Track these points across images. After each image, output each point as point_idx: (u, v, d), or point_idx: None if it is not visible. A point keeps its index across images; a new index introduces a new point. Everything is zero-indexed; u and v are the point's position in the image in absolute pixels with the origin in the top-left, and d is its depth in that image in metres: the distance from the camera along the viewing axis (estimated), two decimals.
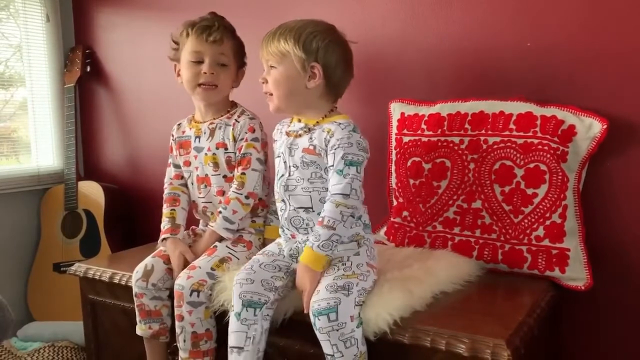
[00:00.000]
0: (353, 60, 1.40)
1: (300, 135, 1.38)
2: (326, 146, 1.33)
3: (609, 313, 1.54)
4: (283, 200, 1.40)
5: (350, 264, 1.29)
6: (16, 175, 2.34)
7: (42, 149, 2.47)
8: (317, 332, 1.19)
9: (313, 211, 1.36)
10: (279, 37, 1.34)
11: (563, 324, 1.58)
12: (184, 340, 1.40)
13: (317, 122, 1.37)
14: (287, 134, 1.42)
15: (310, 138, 1.35)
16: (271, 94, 1.38)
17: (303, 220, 1.38)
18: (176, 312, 1.41)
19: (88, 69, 2.43)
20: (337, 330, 1.16)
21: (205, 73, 1.55)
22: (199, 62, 1.56)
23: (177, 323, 1.41)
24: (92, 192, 2.33)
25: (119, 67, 2.43)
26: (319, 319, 1.17)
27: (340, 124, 1.34)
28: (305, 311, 1.24)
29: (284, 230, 1.43)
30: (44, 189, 2.42)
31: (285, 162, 1.39)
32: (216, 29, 1.55)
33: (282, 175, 1.40)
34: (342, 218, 1.28)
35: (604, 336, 1.56)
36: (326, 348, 1.18)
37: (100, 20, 2.44)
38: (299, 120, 1.41)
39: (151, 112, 2.36)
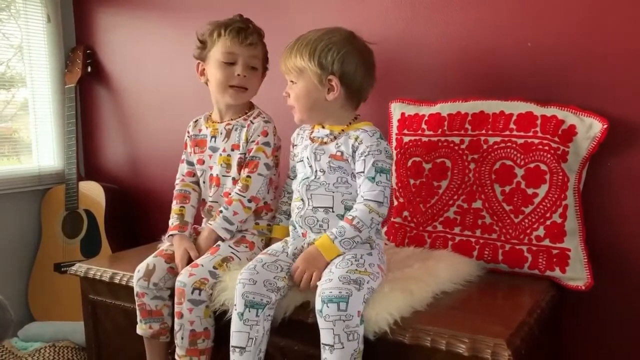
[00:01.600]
0: (375, 64, 1.42)
1: (325, 143, 1.40)
2: (353, 152, 1.36)
3: (610, 313, 1.54)
4: (302, 200, 1.42)
5: (364, 262, 1.29)
6: (17, 176, 2.34)
7: (43, 149, 2.47)
8: (320, 320, 1.18)
9: (333, 212, 1.38)
10: (296, 52, 1.37)
11: (564, 324, 1.58)
12: (182, 338, 1.40)
13: (343, 129, 1.40)
14: (312, 139, 1.44)
15: (337, 144, 1.38)
16: (294, 107, 1.41)
17: (317, 220, 1.39)
18: (176, 309, 1.41)
19: (89, 69, 2.43)
20: (344, 321, 1.16)
21: (238, 75, 1.56)
22: (231, 63, 1.56)
23: (176, 320, 1.41)
24: (93, 192, 2.33)
25: (120, 68, 2.43)
26: (328, 306, 1.17)
27: (367, 131, 1.37)
28: (310, 286, 1.28)
29: (295, 228, 1.45)
30: (45, 189, 2.42)
31: (311, 166, 1.41)
32: (251, 32, 1.57)
33: (307, 177, 1.42)
34: (371, 224, 1.32)
35: (605, 336, 1.55)
36: (327, 337, 1.17)
37: (101, 20, 2.44)
38: (323, 127, 1.43)
39: (152, 113, 2.36)
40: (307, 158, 1.42)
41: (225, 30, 1.56)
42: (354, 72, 1.36)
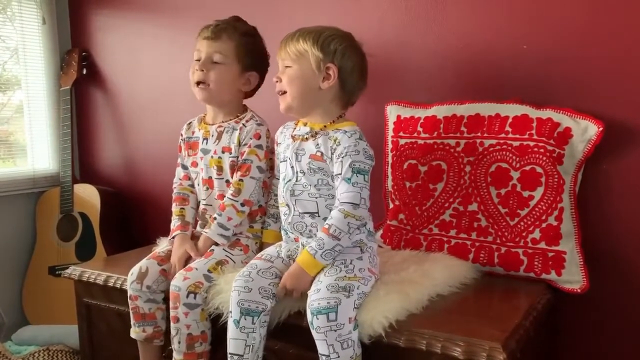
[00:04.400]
0: (367, 70, 1.42)
1: (306, 139, 1.38)
2: (332, 154, 1.34)
3: (606, 315, 1.54)
4: (287, 205, 1.41)
5: (353, 267, 1.29)
6: (12, 178, 2.33)
7: (38, 151, 2.46)
8: (313, 331, 1.18)
9: (319, 216, 1.37)
10: (299, 37, 1.36)
11: (559, 327, 1.58)
12: (179, 342, 1.40)
13: (325, 126, 1.38)
14: (293, 137, 1.42)
15: (317, 144, 1.36)
16: (284, 93, 1.39)
17: (306, 225, 1.38)
18: (171, 313, 1.40)
19: (84, 71, 2.43)
20: (335, 331, 1.16)
21: (197, 70, 1.54)
22: (199, 60, 1.55)
23: (172, 325, 1.41)
24: (88, 195, 2.32)
25: (115, 70, 2.42)
26: (318, 318, 1.17)
27: (346, 131, 1.34)
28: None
29: (287, 233, 1.44)
30: (40, 192, 2.41)
31: (292, 167, 1.40)
32: (214, 27, 1.54)
33: (289, 180, 1.40)
34: (349, 230, 1.29)
35: (601, 339, 1.55)
36: (322, 348, 1.17)
37: (97, 22, 2.44)
38: (305, 124, 1.42)
39: (147, 115, 2.35)
40: (289, 158, 1.40)
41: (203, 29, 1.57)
42: (351, 70, 1.36)
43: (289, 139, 1.43)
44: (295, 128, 1.45)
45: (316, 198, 1.37)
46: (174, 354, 1.42)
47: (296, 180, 1.39)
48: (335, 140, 1.34)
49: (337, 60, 1.34)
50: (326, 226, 1.30)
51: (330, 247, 1.28)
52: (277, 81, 1.40)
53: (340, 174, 1.31)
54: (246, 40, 1.58)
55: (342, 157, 1.31)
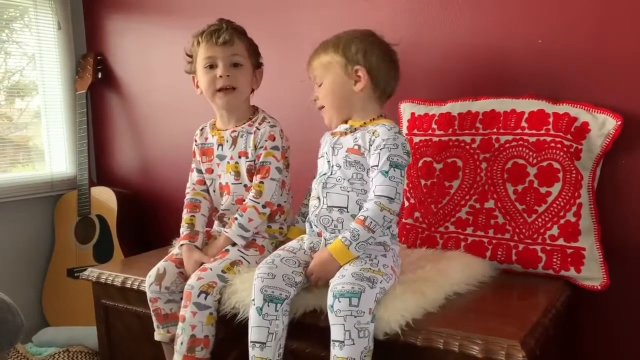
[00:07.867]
0: (397, 60, 1.44)
1: (345, 134, 1.40)
2: (370, 146, 1.35)
3: (626, 313, 1.51)
4: (318, 198, 1.42)
5: (378, 262, 1.29)
6: (30, 182, 2.36)
7: (55, 155, 2.49)
8: (332, 315, 1.18)
9: (347, 212, 1.37)
10: (320, 51, 1.41)
11: (579, 324, 1.56)
12: (182, 343, 1.38)
13: (364, 123, 1.40)
14: (332, 134, 1.44)
15: (355, 138, 1.38)
16: (323, 107, 1.43)
17: (332, 220, 1.38)
18: (181, 312, 1.40)
19: (99, 75, 2.45)
20: (355, 317, 1.16)
21: (220, 77, 1.53)
22: (213, 66, 1.55)
23: (179, 324, 1.40)
24: (105, 198, 2.34)
25: (130, 73, 2.44)
26: (340, 301, 1.17)
27: (385, 124, 1.36)
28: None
29: (311, 227, 1.44)
30: (58, 195, 2.44)
31: (328, 161, 1.41)
32: (224, 31, 1.54)
33: (324, 174, 1.41)
34: (384, 223, 1.29)
35: (621, 336, 1.53)
36: (337, 333, 1.17)
37: (111, 26, 2.46)
38: (345, 122, 1.44)
39: (162, 117, 2.37)
40: (326, 153, 1.42)
41: (201, 36, 1.56)
42: (378, 65, 1.38)
43: (328, 136, 1.46)
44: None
45: (348, 192, 1.37)
46: (175, 355, 1.40)
47: (330, 174, 1.40)
48: (374, 133, 1.35)
49: (361, 61, 1.37)
50: (361, 217, 1.29)
51: (365, 239, 1.28)
52: (315, 100, 1.45)
53: (377, 166, 1.32)
54: (249, 39, 1.61)
55: (380, 150, 1.32)
